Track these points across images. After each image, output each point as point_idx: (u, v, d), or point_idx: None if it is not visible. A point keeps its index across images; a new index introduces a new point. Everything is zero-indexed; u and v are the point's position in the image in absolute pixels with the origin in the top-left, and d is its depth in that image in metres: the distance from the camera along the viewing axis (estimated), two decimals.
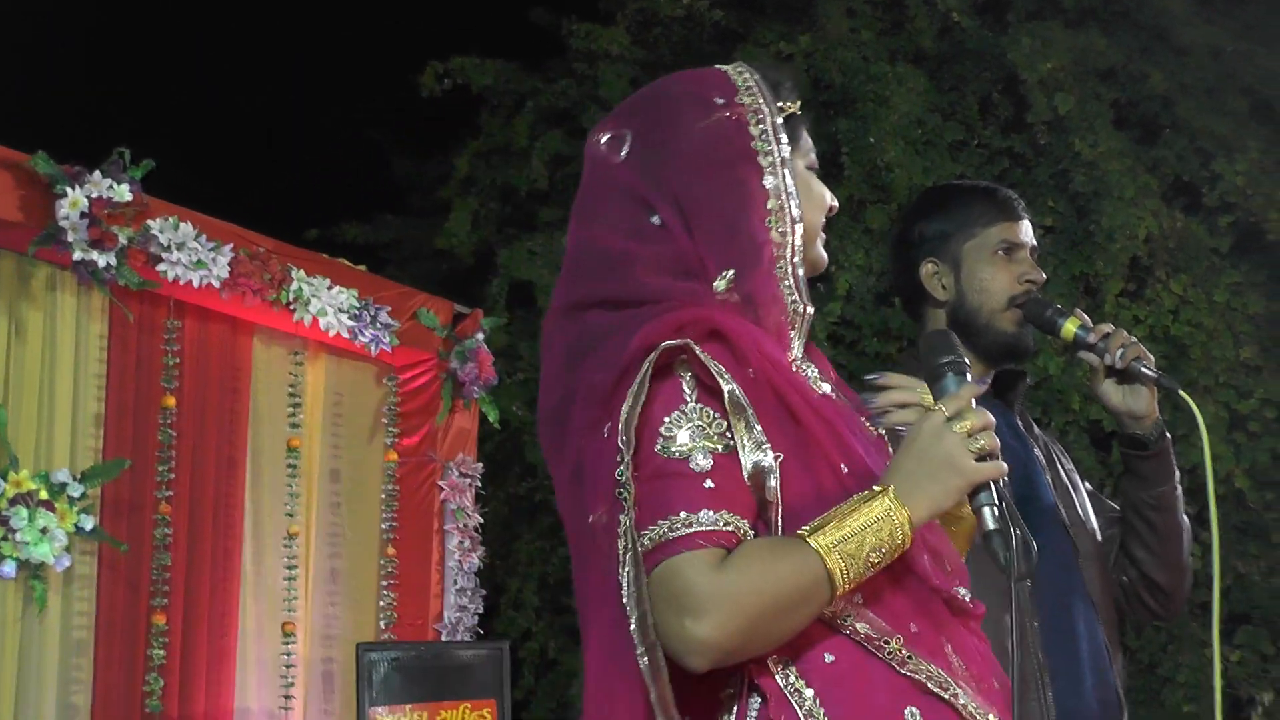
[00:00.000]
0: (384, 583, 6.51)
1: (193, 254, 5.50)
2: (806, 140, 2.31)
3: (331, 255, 6.49)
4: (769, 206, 2.16)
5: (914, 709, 2.04)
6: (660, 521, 1.98)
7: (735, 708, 2.05)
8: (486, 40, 9.04)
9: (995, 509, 2.13)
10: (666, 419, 2.03)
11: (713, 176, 2.15)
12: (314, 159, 9.91)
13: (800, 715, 2.00)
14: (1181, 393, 3.08)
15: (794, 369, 2.18)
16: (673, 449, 2.02)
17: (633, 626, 1.95)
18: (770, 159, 2.18)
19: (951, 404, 2.13)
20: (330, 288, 6.16)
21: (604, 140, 2.26)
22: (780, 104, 2.25)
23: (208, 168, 8.49)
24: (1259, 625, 7.75)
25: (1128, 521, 3.34)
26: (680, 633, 1.93)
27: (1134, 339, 3.21)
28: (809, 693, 2.02)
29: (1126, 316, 8.04)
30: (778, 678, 2.03)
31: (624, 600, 1.97)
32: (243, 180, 9.07)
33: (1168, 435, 3.29)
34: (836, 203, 2.34)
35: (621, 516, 1.98)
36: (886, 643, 2.06)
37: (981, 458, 2.12)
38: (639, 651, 1.95)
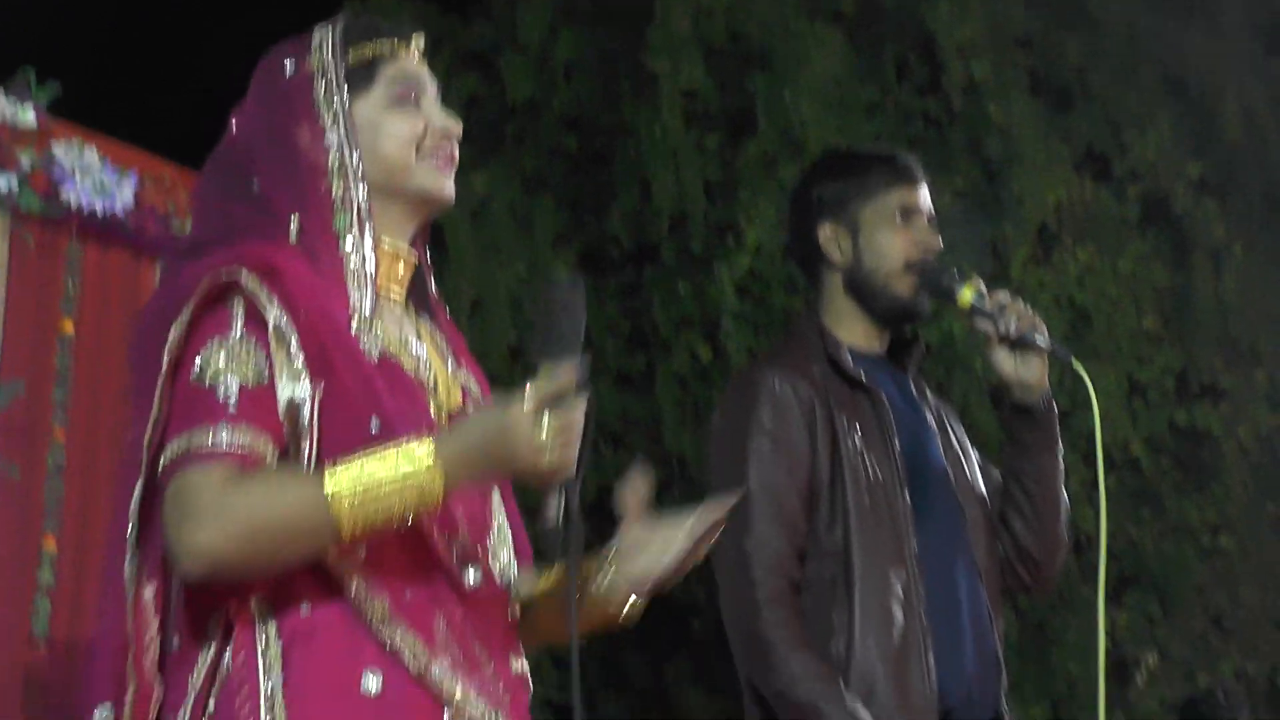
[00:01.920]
0: None
1: (97, 180, 5.44)
2: (391, 74, 2.29)
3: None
4: (329, 163, 2.21)
5: (374, 671, 2.07)
6: (179, 438, 2.06)
7: (213, 644, 2.11)
8: None
9: (560, 508, 2.09)
10: (205, 346, 2.11)
11: (280, 141, 2.21)
12: (228, 87, 9.79)
13: (260, 665, 2.07)
14: (1075, 363, 3.11)
15: (354, 323, 2.18)
16: (206, 375, 2.09)
17: (129, 535, 2.09)
18: (331, 114, 2.23)
19: (538, 393, 2.04)
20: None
21: (233, 116, 2.35)
22: (355, 49, 2.28)
23: (117, 92, 8.39)
24: (1148, 589, 7.87)
25: (1007, 490, 3.35)
26: (179, 538, 2.01)
27: (1029, 309, 3.23)
28: (276, 644, 2.08)
29: (1033, 282, 8.11)
30: (256, 625, 2.08)
31: (130, 510, 2.09)
32: (152, 107, 8.97)
33: (1054, 407, 3.32)
34: (448, 124, 2.31)
35: (146, 432, 2.09)
36: (372, 604, 2.09)
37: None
38: (128, 558, 2.09)
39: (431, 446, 2.03)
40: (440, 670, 2.09)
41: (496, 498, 2.30)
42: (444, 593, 2.14)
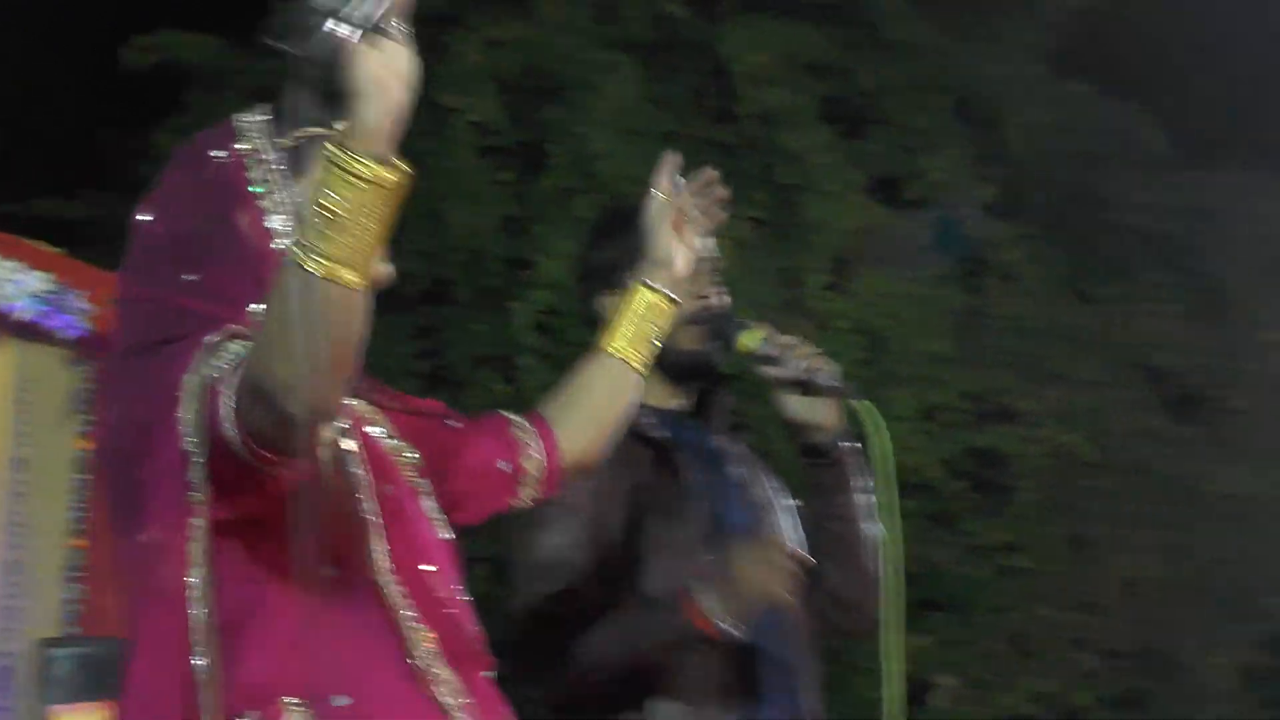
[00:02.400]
0: (69, 575, 6.35)
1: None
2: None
3: (26, 232, 6.31)
4: (275, 246, 2.18)
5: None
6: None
7: None
8: (197, 13, 8.83)
9: None
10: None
11: (221, 229, 2.17)
12: (7, 129, 9.59)
13: None
14: (858, 404, 3.10)
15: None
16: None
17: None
18: (272, 199, 2.21)
19: None
20: (21, 272, 6.00)
21: (144, 209, 2.27)
22: (284, 135, 2.26)
23: None
24: (948, 611, 7.97)
25: (813, 534, 3.31)
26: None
27: (815, 350, 3.22)
28: None
29: (829, 309, 8.19)
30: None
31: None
32: None
33: (848, 445, 3.30)
34: None
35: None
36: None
37: None
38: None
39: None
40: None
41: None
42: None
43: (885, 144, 8.75)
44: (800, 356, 3.17)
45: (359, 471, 2.17)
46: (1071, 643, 8.14)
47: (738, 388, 3.58)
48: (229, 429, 1.97)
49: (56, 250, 6.44)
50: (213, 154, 2.23)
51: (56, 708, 5.71)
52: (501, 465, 2.45)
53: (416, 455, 2.37)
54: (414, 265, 7.82)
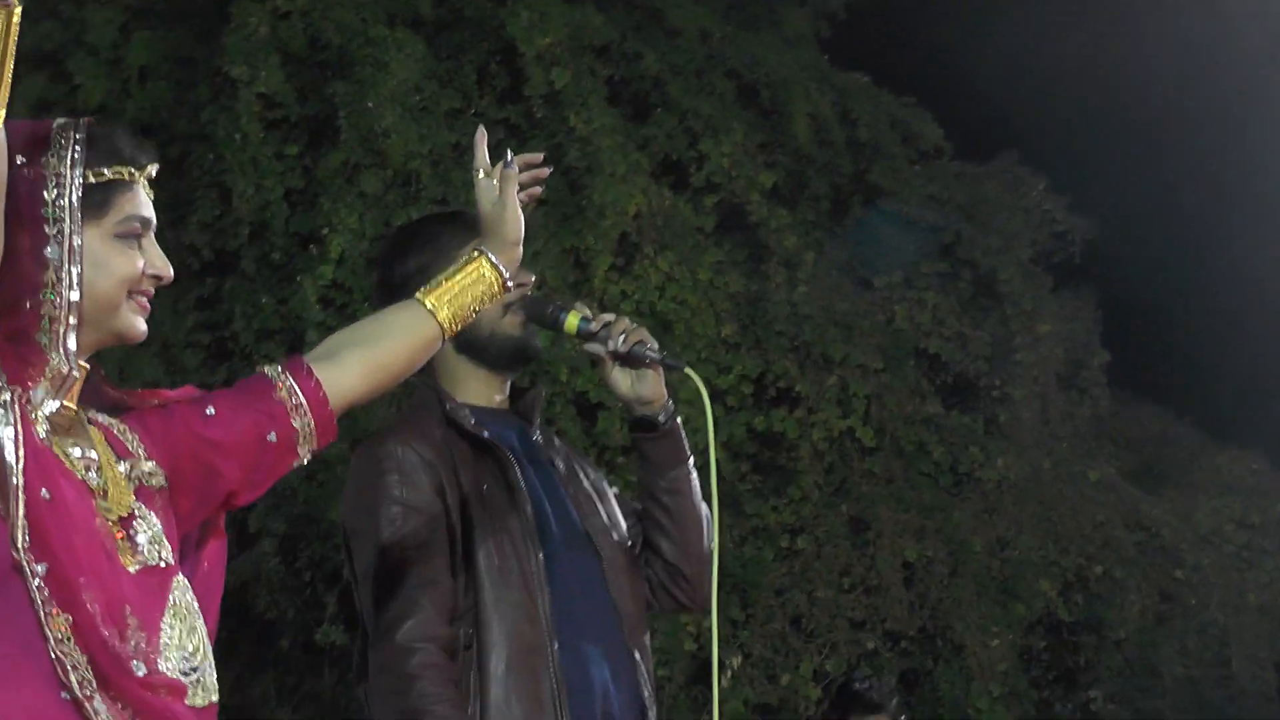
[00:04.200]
0: None
1: None
2: (124, 207, 2.26)
3: None
4: (45, 278, 2.16)
5: None
6: None
7: None
8: None
9: None
10: None
11: (8, 232, 2.12)
12: None
13: None
14: (687, 370, 3.13)
15: (39, 433, 2.16)
16: None
17: None
18: (57, 228, 2.18)
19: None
20: None
21: None
22: (94, 169, 2.23)
23: None
24: (730, 592, 8.03)
25: (646, 511, 3.35)
26: None
27: (635, 325, 3.23)
28: None
29: (615, 292, 8.20)
30: None
31: None
32: None
33: (677, 418, 3.32)
34: (161, 270, 2.31)
35: None
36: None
37: None
38: None
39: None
40: None
41: (178, 601, 2.24)
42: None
43: (669, 128, 8.79)
44: (621, 330, 3.19)
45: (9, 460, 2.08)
46: (852, 624, 8.25)
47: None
48: None
49: None
50: (18, 158, 2.17)
51: None
52: (270, 438, 2.38)
53: (161, 480, 2.31)
54: (199, 237, 7.66)
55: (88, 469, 2.19)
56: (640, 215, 8.40)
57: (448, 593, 3.05)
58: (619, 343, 3.19)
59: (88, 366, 2.27)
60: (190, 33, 8.07)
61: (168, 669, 2.16)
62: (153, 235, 2.31)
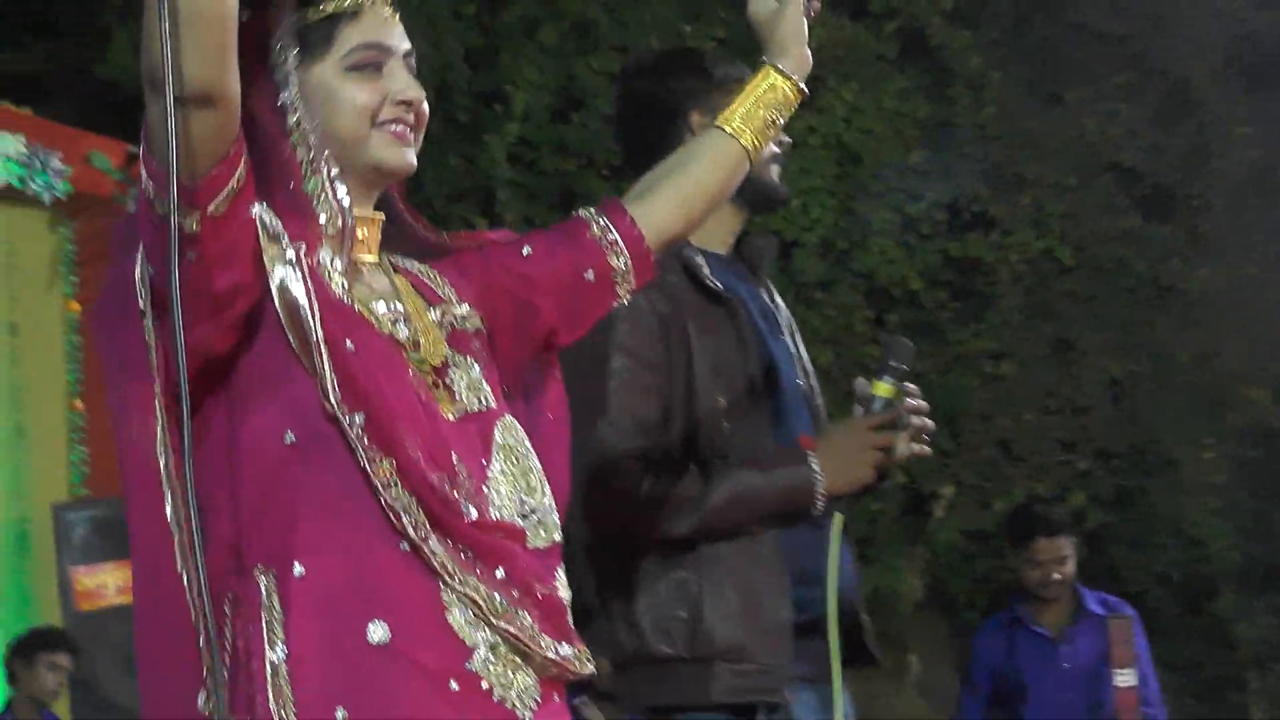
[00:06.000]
0: (74, 437, 6.30)
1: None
2: (351, 37, 2.17)
3: None
4: (286, 126, 2.12)
5: (378, 621, 2.03)
6: None
7: (230, 622, 2.05)
8: None
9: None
10: None
11: (246, 97, 2.06)
12: None
13: (265, 637, 2.01)
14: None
15: (335, 290, 2.12)
16: None
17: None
18: (284, 73, 2.13)
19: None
20: None
21: None
22: (314, 5, 2.16)
23: None
24: (939, 422, 8.00)
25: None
26: None
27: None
28: (279, 613, 2.02)
29: (801, 126, 8.12)
30: (262, 596, 2.02)
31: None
32: None
33: None
34: (409, 93, 2.18)
35: None
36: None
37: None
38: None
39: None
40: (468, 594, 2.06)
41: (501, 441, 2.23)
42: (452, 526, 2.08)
43: None
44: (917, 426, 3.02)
45: (310, 320, 2.05)
46: (1061, 445, 8.21)
47: None
48: (148, 187, 1.92)
49: (21, 110, 6.32)
50: (243, 12, 2.05)
51: (77, 569, 5.68)
52: (588, 275, 2.38)
53: (476, 322, 2.26)
54: None
55: (395, 322, 2.16)
56: (821, 46, 8.28)
57: (660, 450, 3.01)
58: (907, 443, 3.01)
59: (380, 215, 2.23)
60: None
61: (501, 514, 2.15)
62: (402, 61, 2.20)
